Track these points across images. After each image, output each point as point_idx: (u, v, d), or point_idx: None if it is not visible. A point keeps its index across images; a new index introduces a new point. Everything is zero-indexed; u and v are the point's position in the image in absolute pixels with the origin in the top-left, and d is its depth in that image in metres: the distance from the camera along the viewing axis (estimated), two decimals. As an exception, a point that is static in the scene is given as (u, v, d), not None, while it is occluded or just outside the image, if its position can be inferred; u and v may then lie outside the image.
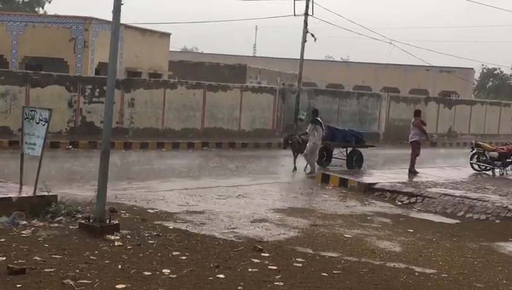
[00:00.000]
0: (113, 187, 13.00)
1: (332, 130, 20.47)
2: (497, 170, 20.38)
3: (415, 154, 18.90)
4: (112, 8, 9.34)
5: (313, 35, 30.39)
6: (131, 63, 32.18)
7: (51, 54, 29.43)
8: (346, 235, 10.65)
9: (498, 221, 13.02)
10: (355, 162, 19.87)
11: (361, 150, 20.53)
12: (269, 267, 8.27)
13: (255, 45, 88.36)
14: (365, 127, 34.30)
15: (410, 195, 14.93)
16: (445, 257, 9.64)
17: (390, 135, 34.19)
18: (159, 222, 10.49)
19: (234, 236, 9.99)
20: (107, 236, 9.02)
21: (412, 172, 18.49)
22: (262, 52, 78.34)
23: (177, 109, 27.12)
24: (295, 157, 19.35)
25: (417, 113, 19.41)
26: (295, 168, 19.08)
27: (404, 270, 8.68)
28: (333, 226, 11.37)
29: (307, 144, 18.62)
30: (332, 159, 20.70)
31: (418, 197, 14.71)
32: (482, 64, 69.98)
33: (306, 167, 18.85)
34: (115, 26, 9.41)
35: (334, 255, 9.23)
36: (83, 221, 9.51)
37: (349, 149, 20.25)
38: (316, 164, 18.89)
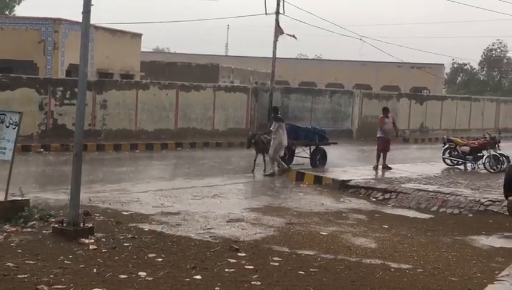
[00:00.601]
0: (86, 190, 12.90)
1: (295, 128, 20.05)
2: (468, 165, 20.58)
3: (378, 150, 19.42)
4: (81, 9, 9.25)
5: (294, 36, 30.40)
6: (102, 64, 31.89)
7: (20, 56, 29.02)
8: (322, 233, 10.68)
9: (471, 215, 13.17)
10: (319, 160, 19.61)
11: (325, 147, 20.30)
12: (246, 267, 8.26)
13: (227, 44, 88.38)
14: (338, 124, 34.51)
15: (384, 191, 15.02)
16: (420, 252, 9.72)
17: (363, 131, 34.36)
18: (133, 224, 10.41)
19: (210, 236, 9.95)
20: (82, 240, 8.93)
21: (374, 168, 18.93)
22: (235, 51, 78.35)
23: (150, 109, 26.96)
24: (256, 157, 18.63)
25: (383, 111, 19.98)
26: (254, 168, 18.36)
27: (380, 266, 8.73)
28: (309, 224, 11.39)
29: (272, 143, 18.04)
30: (295, 157, 20.16)
31: (392, 193, 14.82)
32: (452, 60, 70.78)
33: (267, 167, 18.16)
34: (85, 27, 9.31)
35: (311, 253, 9.25)
36: (56, 225, 9.39)
37: (313, 147, 19.96)
38: (282, 162, 18.40)
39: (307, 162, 19.77)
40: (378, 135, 19.67)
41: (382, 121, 19.62)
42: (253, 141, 18.73)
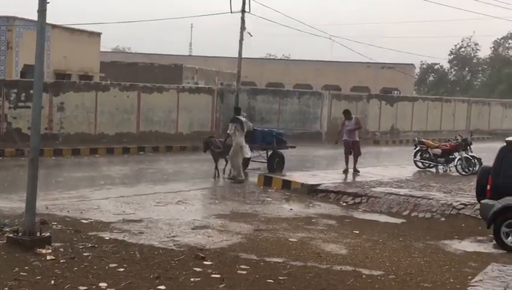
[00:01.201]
0: (43, 197, 12.72)
1: (252, 131, 19.42)
2: (440, 167, 20.86)
3: (345, 153, 19.66)
4: (37, 7, 9.13)
5: (249, 33, 30.48)
6: (59, 64, 31.52)
7: (-28, 57, 28.53)
8: (291, 239, 10.71)
9: (443, 219, 13.34)
10: (276, 164, 19.28)
11: (286, 151, 20.07)
12: (212, 275, 8.23)
13: (190, 43, 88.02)
14: (307, 126, 34.69)
15: (354, 195, 15.13)
16: (392, 258, 9.81)
17: (332, 134, 34.46)
18: (93, 233, 10.30)
19: (174, 245, 9.90)
20: (38, 250, 8.81)
21: (344, 171, 19.06)
22: (199, 51, 78.11)
23: (110, 112, 26.73)
24: (216, 162, 18.27)
25: (343, 114, 20.10)
26: (217, 175, 18.11)
27: (351, 273, 8.79)
28: (277, 231, 11.41)
29: (232, 146, 17.72)
30: (251, 162, 19.61)
31: (363, 197, 14.93)
32: (421, 61, 71.53)
33: (230, 171, 18.02)
34: (41, 26, 9.19)
35: (279, 260, 9.26)
36: (11, 235, 9.25)
37: (270, 151, 19.63)
38: (241, 170, 17.84)
39: (264, 166, 19.58)
40: (342, 138, 19.82)
41: (342, 124, 19.90)
42: (209, 144, 18.37)
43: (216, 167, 18.27)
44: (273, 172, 18.73)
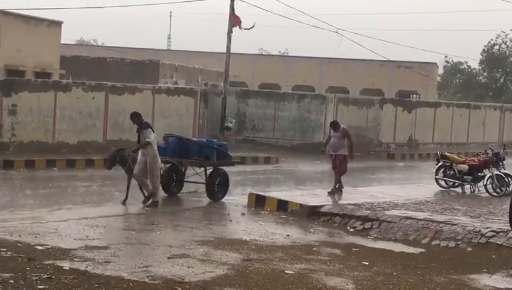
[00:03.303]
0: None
1: (184, 142, 18.39)
2: (467, 186, 20.90)
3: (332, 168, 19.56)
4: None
5: (244, 27, 30.57)
6: (11, 59, 31.57)
7: None
8: (288, 272, 10.72)
9: (470, 248, 13.37)
10: (218, 186, 17.86)
11: (227, 169, 18.53)
12: (192, 314, 8.24)
13: (169, 35, 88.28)
14: (308, 136, 34.77)
15: (364, 219, 15.16)
16: (408, 295, 9.83)
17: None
18: (50, 262, 10.30)
19: (147, 276, 9.90)
20: (-17, 282, 8.80)
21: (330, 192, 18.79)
22: (179, 45, 78.33)
23: (72, 117, 26.75)
24: (129, 180, 16.76)
25: (330, 125, 20.09)
26: (126, 198, 16.63)
27: (359, 312, 8.80)
28: (271, 261, 11.42)
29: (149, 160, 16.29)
30: (185, 183, 18.56)
31: (374, 222, 14.96)
32: (446, 57, 71.63)
33: (143, 194, 16.69)
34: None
35: (273, 296, 9.27)
36: (-50, 263, 9.23)
37: (210, 168, 18.09)
38: (147, 185, 16.45)
39: (203, 188, 18.20)
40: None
41: (328, 137, 19.82)
42: (118, 159, 16.76)
43: (128, 187, 16.72)
44: (213, 196, 17.68)
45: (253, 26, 30.87)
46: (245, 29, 30.78)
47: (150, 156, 16.23)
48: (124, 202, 16.51)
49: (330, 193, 18.39)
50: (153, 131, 16.59)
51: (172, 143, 18.19)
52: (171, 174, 18.27)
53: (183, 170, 18.48)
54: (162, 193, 17.45)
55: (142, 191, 16.68)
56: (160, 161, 16.64)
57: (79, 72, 37.17)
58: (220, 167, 18.24)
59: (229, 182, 18.24)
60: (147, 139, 16.19)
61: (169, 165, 17.96)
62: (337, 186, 18.84)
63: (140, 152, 16.33)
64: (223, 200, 17.94)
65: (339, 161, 19.04)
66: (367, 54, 54.43)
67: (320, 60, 58.44)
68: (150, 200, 16.34)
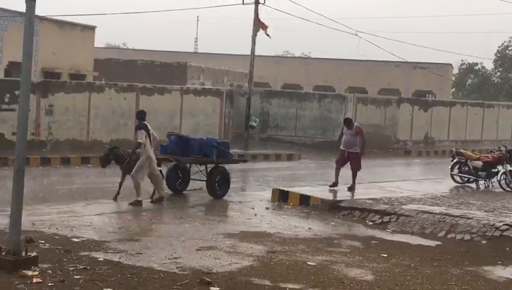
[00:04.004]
0: (29, 212, 12.82)
1: (184, 140, 17.71)
2: (481, 182, 20.80)
3: (336, 163, 18.98)
4: (24, -3, 9.24)
5: (268, 34, 30.54)
6: (48, 62, 31.78)
7: (-50, 52, 28.85)
8: (310, 263, 10.72)
9: (484, 241, 13.29)
10: (218, 184, 17.26)
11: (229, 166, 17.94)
12: (220, 303, 8.27)
13: (196, 39, 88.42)
14: (328, 134, 34.66)
15: (382, 213, 15.12)
16: (425, 286, 9.80)
17: (357, 143, 34.55)
18: (86, 253, 10.37)
19: (177, 267, 9.95)
20: (23, 272, 8.88)
21: (332, 185, 18.39)
22: (206, 48, 78.47)
23: (105, 116, 26.88)
24: (123, 178, 16.12)
25: (344, 122, 19.45)
26: (118, 193, 16.01)
27: (378, 302, 8.79)
28: (294, 253, 11.42)
29: (140, 159, 15.82)
30: (191, 180, 17.90)
31: (392, 216, 14.91)
32: (461, 60, 71.25)
33: (154, 192, 16.27)
34: (29, 18, 9.29)
35: (296, 286, 9.28)
36: (-7, 254, 9.32)
37: (211, 166, 17.46)
38: (141, 182, 15.78)
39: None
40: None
41: (341, 132, 19.19)
42: (112, 157, 16.24)
43: (121, 183, 16.12)
44: (214, 193, 17.14)
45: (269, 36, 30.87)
46: (267, 35, 30.78)
47: (143, 156, 15.76)
48: (115, 198, 15.89)
49: (349, 189, 18.14)
50: (150, 131, 16.01)
51: (173, 141, 17.65)
52: (176, 172, 17.71)
53: (188, 168, 17.87)
54: (168, 190, 17.10)
55: (154, 191, 16.19)
56: (154, 164, 16.00)
57: (111, 74, 37.33)
58: (221, 165, 17.59)
59: (230, 179, 17.57)
60: (138, 140, 15.79)
61: (174, 163, 17.46)
62: (355, 182, 18.42)
63: (137, 153, 15.82)
64: (248, 195, 17.94)
65: (352, 159, 18.51)
66: (384, 56, 54.11)
67: (340, 61, 58.25)
68: (135, 199, 15.56)
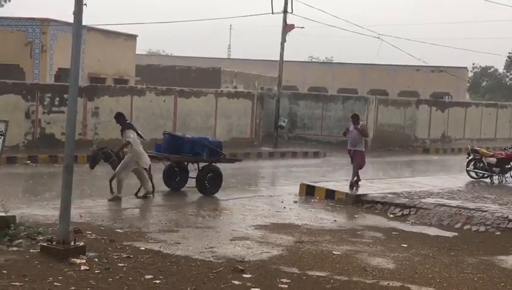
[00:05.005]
0: (77, 205, 12.96)
1: (176, 139, 16.89)
2: (495, 177, 20.58)
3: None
4: (72, 9, 9.31)
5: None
6: (94, 68, 32.03)
7: (5, 60, 29.16)
8: (335, 252, 10.69)
9: (498, 233, 13.15)
10: (209, 181, 16.42)
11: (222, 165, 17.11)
12: (252, 289, 8.27)
13: (229, 46, 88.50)
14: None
15: (403, 207, 15.02)
16: (442, 274, 9.71)
17: (379, 141, 34.35)
18: (129, 243, 10.44)
19: (212, 256, 9.97)
20: (72, 260, 8.96)
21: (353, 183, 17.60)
22: (238, 54, 78.48)
23: (146, 117, 27.01)
24: (114, 175, 15.35)
25: (351, 118, 18.42)
26: (112, 192, 15.17)
27: (398, 288, 8.74)
28: (320, 243, 11.39)
29: (127, 156, 15.24)
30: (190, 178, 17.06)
31: (412, 209, 14.81)
32: (473, 64, 70.59)
33: (140, 188, 15.60)
34: (77, 29, 9.37)
35: (322, 274, 9.26)
36: (44, 244, 9.43)
37: (203, 164, 16.65)
38: (122, 181, 15.05)
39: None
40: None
41: (347, 131, 18.16)
42: (102, 157, 15.50)
43: (111, 180, 15.38)
44: (204, 190, 16.30)
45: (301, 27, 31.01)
46: (300, 27, 31.02)
47: (130, 154, 15.20)
48: (111, 193, 15.09)
49: (350, 186, 17.24)
50: (136, 131, 15.39)
51: (166, 140, 16.91)
52: (175, 170, 16.99)
53: (186, 166, 17.03)
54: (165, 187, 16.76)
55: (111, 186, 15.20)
56: (145, 160, 15.40)
57: (151, 78, 37.52)
58: (213, 164, 16.69)
59: (222, 178, 16.62)
60: (127, 139, 15.08)
61: (176, 161, 16.75)
62: (355, 179, 17.63)
63: (124, 152, 15.23)
64: (278, 189, 17.90)
65: (355, 156, 17.80)
66: (404, 60, 53.60)
67: (362, 65, 57.98)
68: (114, 195, 14.97)
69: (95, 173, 16.79)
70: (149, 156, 15.90)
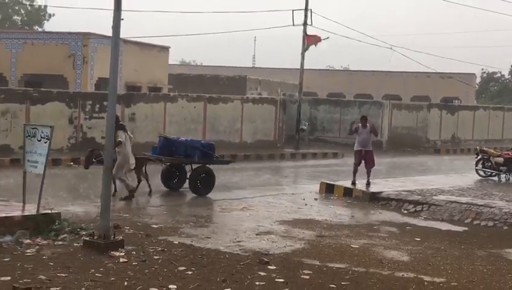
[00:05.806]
0: (115, 203, 13.02)
1: (169, 141, 16.37)
2: (502, 176, 20.39)
3: (354, 164, 17.67)
4: (111, 24, 9.40)
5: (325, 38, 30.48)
6: (130, 77, 32.24)
7: (50, 71, 29.50)
8: (353, 246, 10.64)
9: (506, 227, 13.00)
10: (201, 182, 15.81)
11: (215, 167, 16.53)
12: (276, 280, 8.26)
13: (254, 55, 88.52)
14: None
15: (416, 203, 14.91)
16: (454, 265, 9.62)
17: (393, 143, 34.17)
18: (163, 237, 10.48)
19: (240, 249, 9.98)
20: (112, 253, 9.02)
21: (352, 183, 17.24)
22: (262, 63, 78.45)
23: (178, 122, 27.11)
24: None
25: (360, 120, 18.01)
26: (115, 190, 14.62)
27: (413, 279, 8.67)
28: (339, 237, 11.35)
29: (119, 158, 14.54)
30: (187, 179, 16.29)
31: (424, 205, 14.70)
32: (482, 69, 69.92)
33: (116, 191, 14.77)
34: (115, 41, 9.45)
35: (342, 266, 9.22)
36: (87, 238, 9.51)
37: (196, 166, 16.09)
38: (127, 181, 14.74)
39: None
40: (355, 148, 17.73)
41: (356, 132, 17.70)
42: (96, 158, 14.87)
43: (115, 184, 14.67)
44: (196, 190, 15.69)
45: (327, 38, 30.88)
46: (323, 39, 30.89)
47: (122, 154, 14.58)
48: (113, 194, 13.82)
49: (367, 185, 17.01)
50: (127, 132, 14.95)
51: (161, 143, 16.43)
52: (172, 171, 16.43)
53: (184, 168, 16.42)
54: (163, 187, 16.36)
55: (115, 185, 14.71)
56: (131, 161, 14.88)
57: (183, 86, 37.65)
58: (206, 165, 16.09)
59: (214, 178, 16.04)
60: (118, 139, 14.23)
61: (168, 163, 16.24)
62: (370, 179, 17.33)
63: (116, 152, 14.27)
64: (299, 187, 17.84)
65: (367, 157, 17.42)
66: (415, 67, 53.20)
67: (377, 73, 57.69)
68: (127, 195, 14.66)
69: (131, 174, 16.77)
70: (147, 159, 15.76)
